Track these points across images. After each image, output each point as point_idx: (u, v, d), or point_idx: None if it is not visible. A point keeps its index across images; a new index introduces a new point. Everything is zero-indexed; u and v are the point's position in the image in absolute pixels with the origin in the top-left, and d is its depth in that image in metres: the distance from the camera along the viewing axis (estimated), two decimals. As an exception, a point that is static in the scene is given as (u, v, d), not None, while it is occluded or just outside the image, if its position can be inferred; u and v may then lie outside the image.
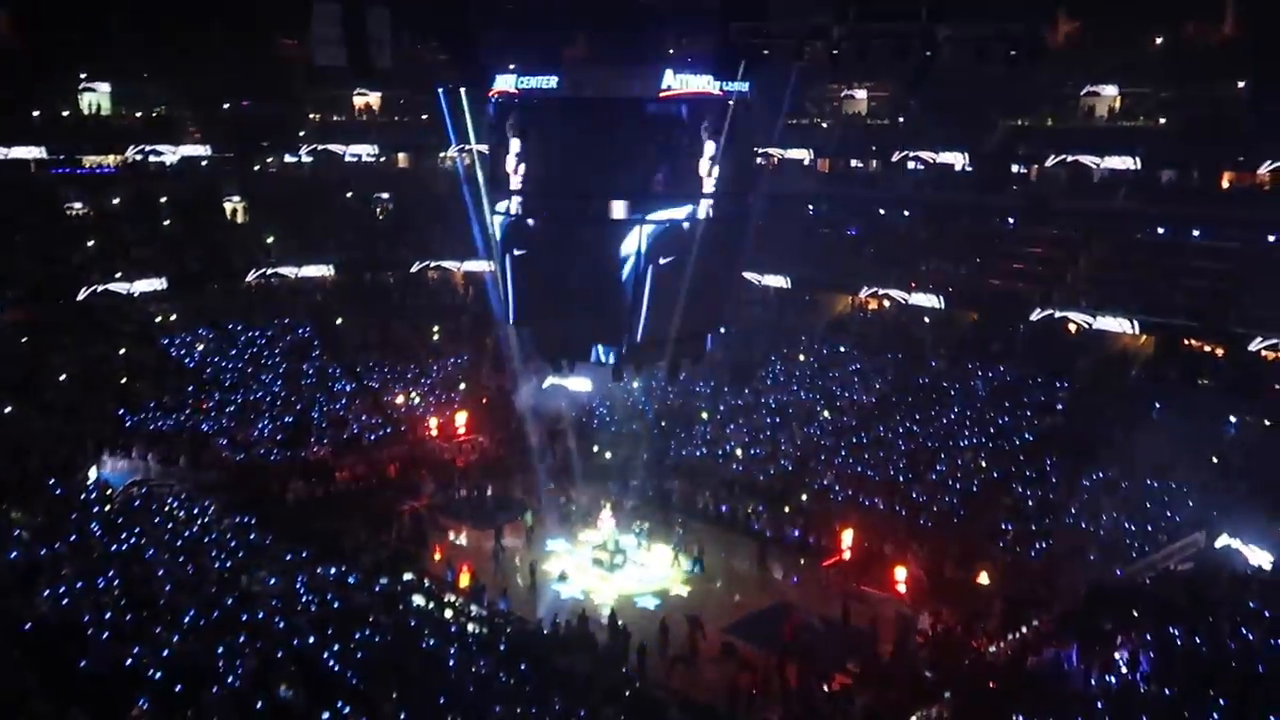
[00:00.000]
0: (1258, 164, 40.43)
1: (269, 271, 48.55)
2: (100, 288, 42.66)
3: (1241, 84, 42.69)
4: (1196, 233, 41.51)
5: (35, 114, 47.81)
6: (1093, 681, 22.10)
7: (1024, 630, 25.26)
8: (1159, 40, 46.34)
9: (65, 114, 49.55)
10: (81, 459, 34.16)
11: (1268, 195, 40.67)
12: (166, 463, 35.68)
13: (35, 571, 23.38)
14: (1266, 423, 34.29)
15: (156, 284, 44.64)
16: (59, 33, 49.95)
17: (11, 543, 25.08)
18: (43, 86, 48.64)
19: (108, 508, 29.78)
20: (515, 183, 28.32)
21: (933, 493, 34.81)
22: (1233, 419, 34.81)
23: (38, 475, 31.97)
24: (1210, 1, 43.29)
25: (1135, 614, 24.47)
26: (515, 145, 28.09)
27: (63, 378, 39.08)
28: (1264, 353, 35.56)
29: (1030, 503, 33.50)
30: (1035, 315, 40.62)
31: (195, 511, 31.01)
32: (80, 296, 42.14)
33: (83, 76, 50.31)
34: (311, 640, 21.07)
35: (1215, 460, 33.20)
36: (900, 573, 29.31)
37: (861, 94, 55.00)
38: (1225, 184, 42.34)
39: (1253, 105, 41.61)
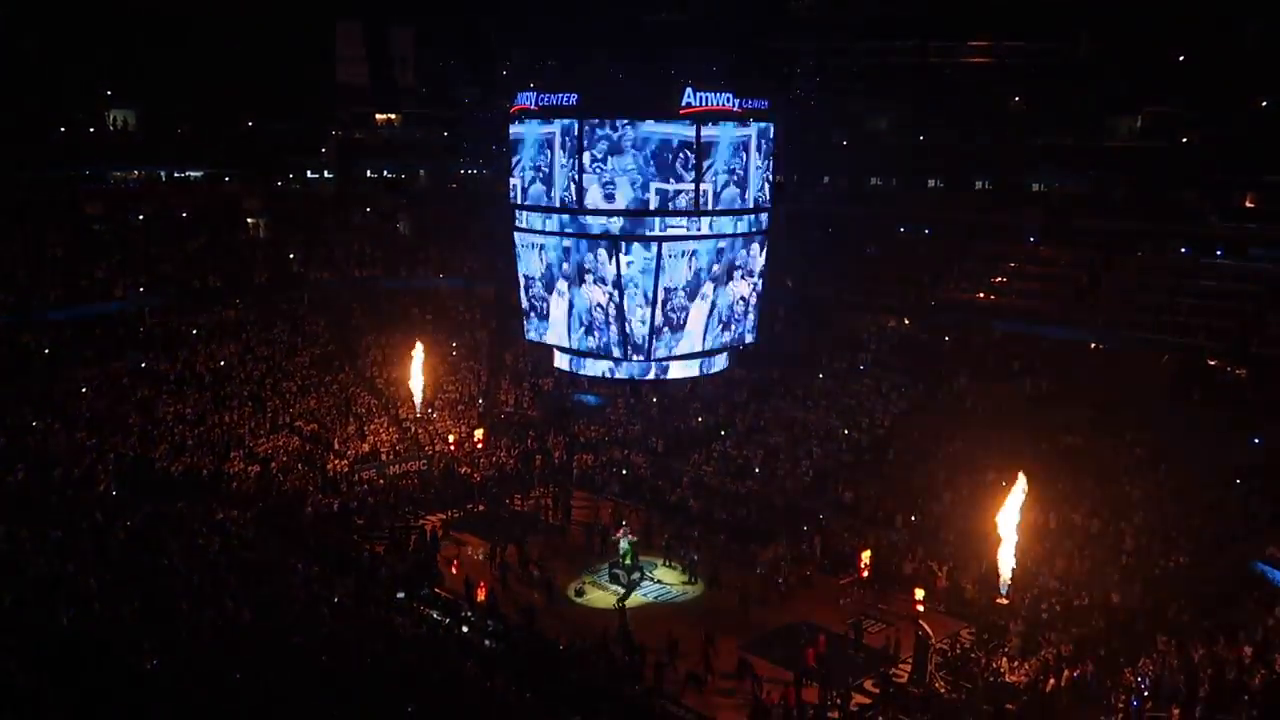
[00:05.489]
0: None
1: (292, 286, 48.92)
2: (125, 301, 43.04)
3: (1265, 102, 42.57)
4: (1219, 253, 41.15)
5: (61, 129, 48.48)
6: (1114, 705, 21.91)
7: (1044, 653, 25.02)
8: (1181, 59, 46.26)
9: (91, 130, 50.20)
10: (103, 472, 34.39)
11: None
12: (187, 475, 35.85)
13: (57, 585, 23.56)
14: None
15: (179, 298, 44.97)
16: (86, 51, 50.85)
17: (34, 557, 25.28)
18: (69, 103, 49.37)
19: (128, 522, 29.98)
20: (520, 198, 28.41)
21: (952, 512, 34.53)
22: (1257, 440, 34.41)
23: (59, 489, 32.25)
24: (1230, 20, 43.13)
25: (1158, 636, 24.26)
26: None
27: (84, 390, 39.44)
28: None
29: (1051, 523, 33.16)
30: (1056, 334, 40.27)
31: (215, 524, 31.21)
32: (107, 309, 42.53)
33: (109, 94, 51.01)
34: (328, 653, 21.12)
35: (1239, 481, 32.85)
36: (919, 593, 29.05)
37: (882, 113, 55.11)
38: (1249, 204, 41.99)
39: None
